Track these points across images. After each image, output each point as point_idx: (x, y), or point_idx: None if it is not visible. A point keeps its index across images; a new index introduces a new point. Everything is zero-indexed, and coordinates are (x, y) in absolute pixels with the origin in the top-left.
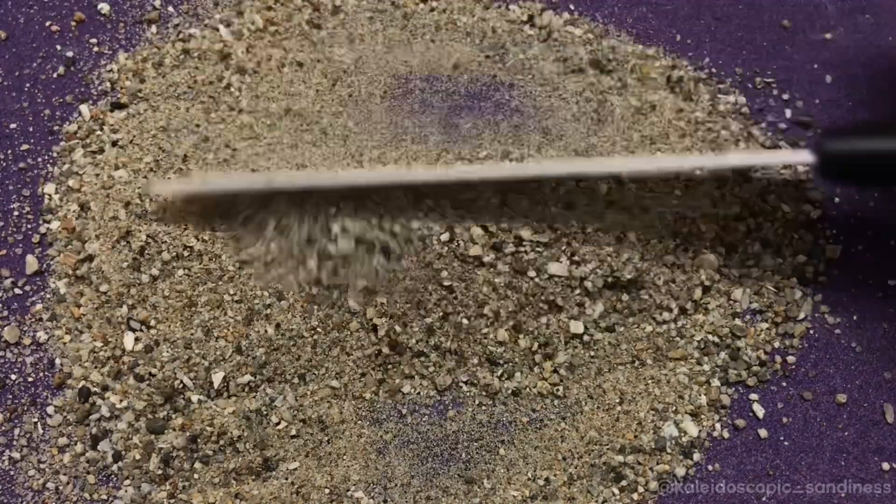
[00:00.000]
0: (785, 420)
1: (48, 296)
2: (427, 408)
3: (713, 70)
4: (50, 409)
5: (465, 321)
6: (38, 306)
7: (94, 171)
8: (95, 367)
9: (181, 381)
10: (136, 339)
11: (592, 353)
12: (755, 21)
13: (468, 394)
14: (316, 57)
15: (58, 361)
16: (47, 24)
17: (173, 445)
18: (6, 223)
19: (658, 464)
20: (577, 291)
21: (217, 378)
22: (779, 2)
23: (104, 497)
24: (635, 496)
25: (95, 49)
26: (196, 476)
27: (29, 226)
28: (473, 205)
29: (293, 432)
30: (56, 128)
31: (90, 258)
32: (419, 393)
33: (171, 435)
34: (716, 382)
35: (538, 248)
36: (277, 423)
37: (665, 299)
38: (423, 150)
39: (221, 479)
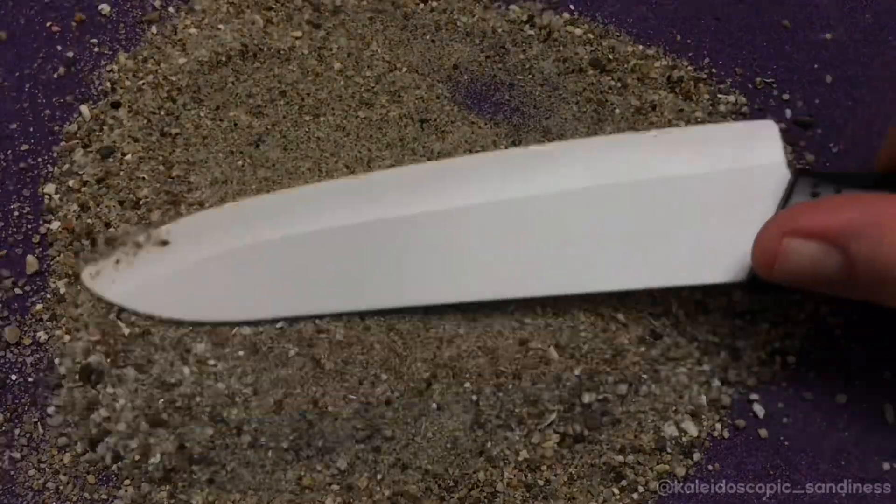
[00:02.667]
0: (785, 420)
1: (48, 296)
2: None
3: (713, 70)
4: (50, 410)
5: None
6: (38, 306)
7: (92, 170)
8: (94, 353)
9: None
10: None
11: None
12: (755, 21)
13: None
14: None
15: (57, 361)
16: (48, 24)
17: (164, 452)
18: (6, 223)
19: (658, 464)
20: None
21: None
22: (779, 2)
23: (104, 497)
24: (635, 496)
25: (96, 49)
26: (195, 476)
27: (29, 226)
28: None
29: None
30: (56, 128)
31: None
32: None
33: (163, 441)
34: (716, 382)
35: None
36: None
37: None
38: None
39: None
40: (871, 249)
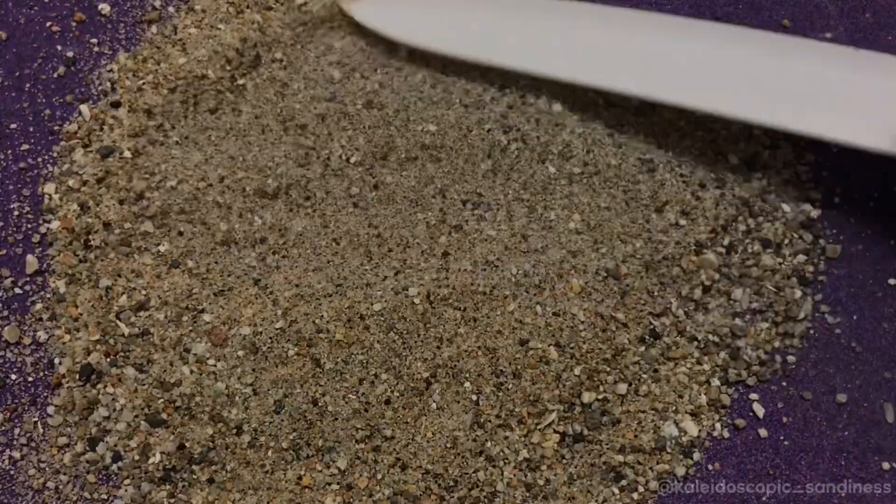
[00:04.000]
0: (785, 420)
1: (48, 296)
2: None
3: None
4: (50, 409)
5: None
6: (38, 306)
7: (92, 169)
8: (95, 352)
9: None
10: (132, 325)
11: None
12: (755, 21)
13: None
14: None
15: (57, 361)
16: (48, 24)
17: (164, 452)
18: (6, 223)
19: (658, 463)
20: None
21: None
22: (779, 2)
23: (104, 497)
24: (635, 496)
25: (96, 49)
26: (195, 476)
27: (29, 226)
28: None
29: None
30: (56, 128)
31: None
32: None
33: (163, 441)
34: (716, 382)
35: None
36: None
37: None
38: None
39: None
40: None
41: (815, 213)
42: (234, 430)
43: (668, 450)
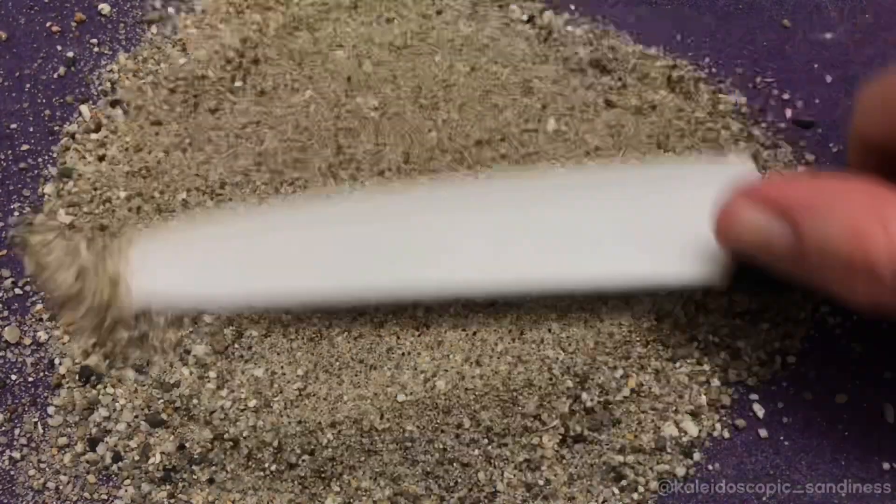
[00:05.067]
0: (785, 420)
1: (48, 296)
2: None
3: (713, 70)
4: (50, 409)
5: None
6: (39, 306)
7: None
8: (93, 354)
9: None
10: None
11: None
12: (755, 21)
13: None
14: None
15: (57, 362)
16: (48, 24)
17: (164, 452)
18: (6, 223)
19: (658, 464)
20: None
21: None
22: (779, 2)
23: (104, 497)
24: (635, 496)
25: (96, 49)
26: (195, 476)
27: None
28: None
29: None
30: (56, 128)
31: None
32: None
33: (163, 441)
34: (716, 382)
35: None
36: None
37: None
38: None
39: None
40: (818, 226)
41: None
42: (231, 444)
43: (668, 450)
